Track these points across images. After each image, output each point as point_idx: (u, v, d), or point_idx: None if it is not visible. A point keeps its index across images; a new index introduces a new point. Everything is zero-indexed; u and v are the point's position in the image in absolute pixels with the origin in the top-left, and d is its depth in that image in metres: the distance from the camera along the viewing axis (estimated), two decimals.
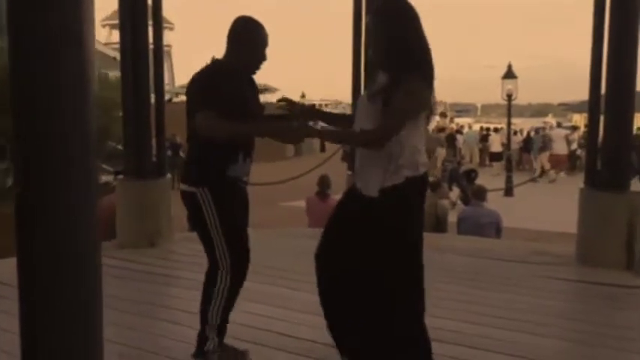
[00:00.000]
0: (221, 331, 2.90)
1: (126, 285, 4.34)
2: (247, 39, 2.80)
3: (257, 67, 2.89)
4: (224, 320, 2.89)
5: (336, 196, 7.85)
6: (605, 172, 4.75)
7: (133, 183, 5.24)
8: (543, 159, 19.42)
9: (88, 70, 1.13)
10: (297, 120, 2.71)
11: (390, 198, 2.49)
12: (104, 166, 10.10)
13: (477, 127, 30.92)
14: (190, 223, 3.06)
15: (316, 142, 30.26)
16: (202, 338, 2.89)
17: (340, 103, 47.58)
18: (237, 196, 2.85)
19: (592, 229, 4.76)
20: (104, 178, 10.32)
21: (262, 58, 2.85)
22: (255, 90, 2.97)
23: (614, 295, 4.20)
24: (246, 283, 4.22)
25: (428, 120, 2.60)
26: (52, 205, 1.13)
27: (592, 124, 4.98)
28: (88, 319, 1.23)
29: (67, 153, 1.12)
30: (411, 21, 2.46)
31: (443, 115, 36.45)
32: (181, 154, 17.46)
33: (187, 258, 5.09)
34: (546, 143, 19.56)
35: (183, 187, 2.84)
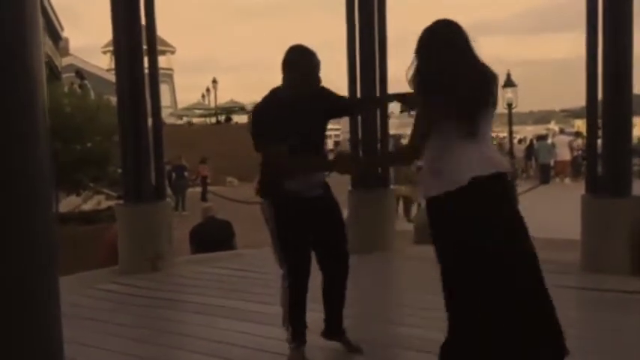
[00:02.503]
0: (295, 330, 3.12)
1: (128, 311, 4.32)
2: (292, 66, 2.98)
3: (306, 93, 3.00)
4: (295, 320, 3.11)
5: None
6: (606, 178, 4.71)
7: (132, 208, 5.24)
8: None
9: (37, 99, 1.10)
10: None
11: None
12: (107, 191, 10.14)
13: None
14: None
15: None
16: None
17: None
18: (296, 208, 3.00)
19: (595, 236, 4.72)
20: (108, 203, 10.36)
21: (310, 82, 2.99)
22: (310, 114, 3.02)
23: (621, 302, 4.15)
24: (254, 305, 4.23)
25: None
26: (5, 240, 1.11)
27: (591, 130, 4.96)
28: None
29: (18, 190, 1.09)
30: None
31: None
32: (186, 175, 17.48)
33: (190, 281, 5.08)
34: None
35: (259, 199, 3.14)
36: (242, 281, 5.03)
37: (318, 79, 3.00)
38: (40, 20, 1.14)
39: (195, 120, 34.41)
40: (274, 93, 3.04)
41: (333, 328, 3.24)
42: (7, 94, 1.08)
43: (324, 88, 3.07)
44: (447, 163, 2.43)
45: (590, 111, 4.88)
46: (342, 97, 3.26)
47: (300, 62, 2.97)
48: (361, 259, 5.50)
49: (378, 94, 5.49)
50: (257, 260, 5.87)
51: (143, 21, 5.16)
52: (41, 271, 1.17)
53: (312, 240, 3.09)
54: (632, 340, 3.46)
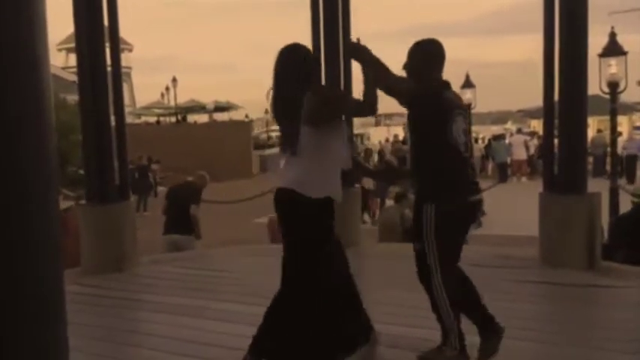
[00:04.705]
0: (459, 333, 3.02)
1: (92, 311, 4.26)
2: None
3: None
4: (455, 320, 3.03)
5: None
6: (562, 176, 4.88)
7: (95, 208, 5.16)
8: None
9: (44, 95, 1.11)
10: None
11: None
12: (65, 191, 9.94)
13: None
14: None
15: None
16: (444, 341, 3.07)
17: None
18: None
19: (553, 232, 4.88)
20: (66, 203, 10.14)
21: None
22: None
23: (578, 295, 4.31)
24: (219, 304, 4.23)
25: None
26: (12, 237, 1.11)
27: (547, 130, 5.12)
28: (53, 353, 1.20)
29: (26, 184, 1.10)
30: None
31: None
32: (150, 175, 17.25)
33: (154, 281, 5.04)
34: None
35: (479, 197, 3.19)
36: (208, 280, 5.03)
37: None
38: (46, 19, 1.14)
39: (154, 119, 33.93)
40: None
41: None
42: (15, 92, 1.08)
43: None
44: None
45: (547, 111, 5.04)
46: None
47: None
48: None
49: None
50: (223, 259, 5.87)
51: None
52: (48, 269, 1.18)
53: None
54: (587, 331, 3.61)
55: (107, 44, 5.18)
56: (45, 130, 1.11)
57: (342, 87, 5.80)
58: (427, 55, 3.02)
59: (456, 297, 2.98)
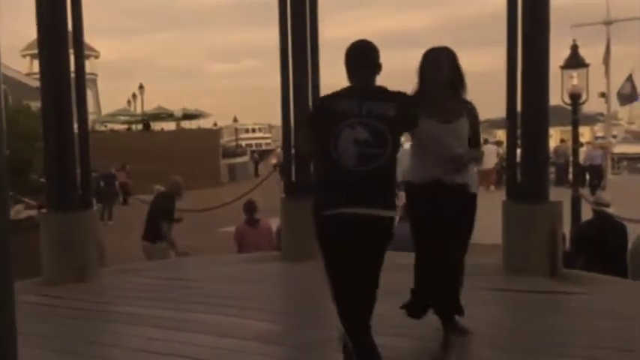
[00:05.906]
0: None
1: (54, 323, 4.16)
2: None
3: None
4: None
5: (268, 218, 7.82)
6: (524, 184, 4.97)
7: (57, 216, 5.04)
8: None
9: None
10: None
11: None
12: (27, 200, 9.70)
13: None
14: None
15: (250, 168, 30.22)
16: None
17: (273, 127, 47.74)
18: None
19: (516, 240, 4.96)
20: (28, 212, 9.89)
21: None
22: None
23: (540, 302, 4.38)
24: (183, 314, 4.17)
25: None
26: None
27: (510, 140, 5.22)
28: None
29: None
30: None
31: None
32: (116, 184, 16.95)
33: (118, 291, 4.95)
34: None
35: (385, 212, 2.83)
36: (172, 290, 4.96)
37: None
38: None
39: (120, 127, 33.45)
40: None
41: None
42: None
43: None
44: None
45: (509, 122, 5.14)
46: None
47: None
48: (294, 267, 5.55)
49: None
50: (189, 269, 5.81)
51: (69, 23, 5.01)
52: None
53: None
54: (548, 338, 3.66)
55: (71, 50, 5.10)
56: None
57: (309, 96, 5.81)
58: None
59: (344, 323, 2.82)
